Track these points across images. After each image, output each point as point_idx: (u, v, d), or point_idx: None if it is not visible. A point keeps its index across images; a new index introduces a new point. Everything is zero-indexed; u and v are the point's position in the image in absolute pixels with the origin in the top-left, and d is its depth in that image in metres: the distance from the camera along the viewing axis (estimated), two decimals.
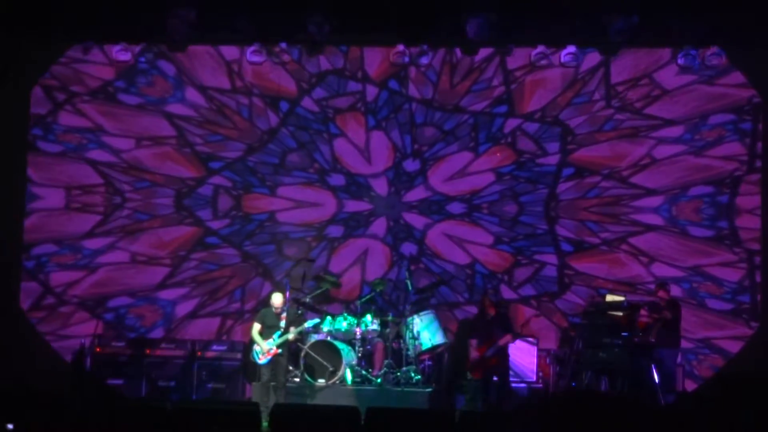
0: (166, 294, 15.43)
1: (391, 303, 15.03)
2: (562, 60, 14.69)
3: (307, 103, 15.54)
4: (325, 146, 15.56)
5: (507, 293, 15.15)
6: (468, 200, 15.34)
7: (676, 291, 14.33)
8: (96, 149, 15.51)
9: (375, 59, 15.46)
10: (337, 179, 15.55)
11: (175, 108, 15.53)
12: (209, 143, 15.53)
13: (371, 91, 15.52)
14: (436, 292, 15.00)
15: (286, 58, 15.06)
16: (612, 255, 15.05)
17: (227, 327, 15.28)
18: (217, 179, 15.55)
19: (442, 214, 15.35)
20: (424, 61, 14.92)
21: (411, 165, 15.50)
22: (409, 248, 15.40)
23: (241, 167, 15.53)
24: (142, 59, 15.28)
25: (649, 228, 14.98)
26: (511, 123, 15.30)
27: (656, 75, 15.05)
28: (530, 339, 14.28)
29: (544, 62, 14.75)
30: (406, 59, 14.82)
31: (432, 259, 15.33)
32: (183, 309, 15.41)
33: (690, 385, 14.25)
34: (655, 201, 15.02)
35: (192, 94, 15.54)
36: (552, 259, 15.19)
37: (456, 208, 15.35)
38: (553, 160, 15.23)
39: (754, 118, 14.87)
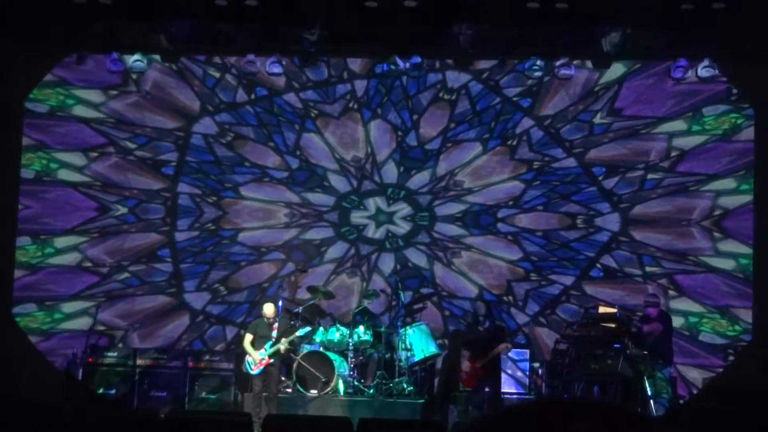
0: (70, 306, 15.09)
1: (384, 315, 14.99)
2: (559, 73, 14.72)
3: (290, 97, 15.39)
4: (290, 133, 15.36)
5: (520, 318, 14.97)
6: (516, 205, 15.12)
7: (677, 321, 14.23)
8: (60, 168, 15.29)
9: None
10: (292, 164, 15.36)
11: (82, 111, 15.30)
12: (143, 147, 15.33)
13: (360, 85, 15.39)
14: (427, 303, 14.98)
15: (279, 69, 15.04)
16: (640, 285, 14.74)
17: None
18: (186, 188, 15.36)
19: (486, 229, 15.16)
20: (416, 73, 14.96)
21: (413, 138, 15.34)
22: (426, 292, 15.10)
23: (189, 170, 15.35)
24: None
25: (711, 269, 14.72)
26: (524, 123, 15.16)
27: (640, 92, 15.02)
28: (523, 350, 14.28)
29: (539, 74, 14.79)
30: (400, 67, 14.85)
31: (450, 300, 15.09)
32: (76, 324, 15.04)
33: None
34: (728, 183, 14.79)
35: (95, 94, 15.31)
36: (567, 280, 14.99)
37: (504, 226, 15.15)
38: (568, 162, 15.10)
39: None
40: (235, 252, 15.33)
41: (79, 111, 15.34)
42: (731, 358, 14.57)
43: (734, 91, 14.82)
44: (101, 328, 14.96)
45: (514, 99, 15.23)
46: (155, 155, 15.39)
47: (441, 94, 15.35)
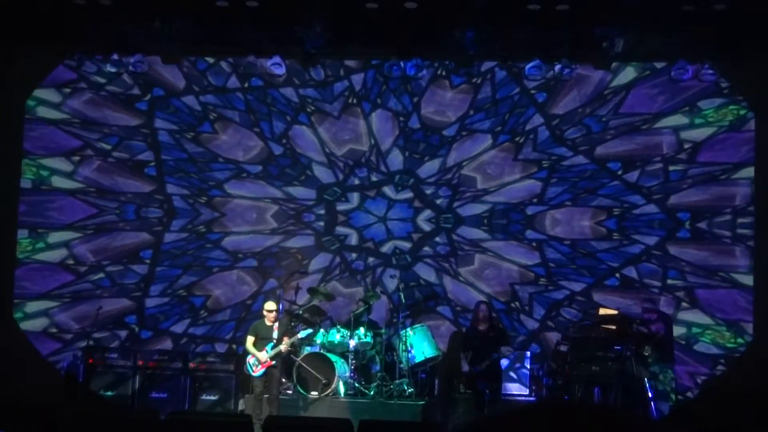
0: (34, 306, 14.98)
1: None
2: (558, 72, 14.72)
3: (287, 91, 15.33)
4: (280, 123, 15.26)
5: (530, 324, 14.93)
6: (542, 203, 15.03)
7: (678, 331, 14.17)
8: (52, 176, 15.19)
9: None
10: (276, 151, 15.29)
11: (45, 112, 15.19)
12: (117, 147, 15.22)
13: (357, 80, 15.33)
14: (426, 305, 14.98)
15: (281, 71, 15.05)
16: (651, 296, 14.56)
17: None
18: (174, 188, 15.29)
19: (512, 235, 15.04)
20: (415, 73, 14.99)
21: (415, 122, 15.27)
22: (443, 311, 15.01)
23: (169, 168, 15.24)
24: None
25: (737, 285, 14.61)
26: (534, 121, 15.09)
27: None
28: (525, 352, 14.27)
29: (540, 75, 14.79)
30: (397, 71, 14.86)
31: (464, 315, 14.91)
32: (31, 325, 14.95)
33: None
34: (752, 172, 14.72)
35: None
36: (578, 287, 14.92)
37: (533, 233, 15.06)
38: (578, 159, 15.04)
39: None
40: (213, 257, 15.24)
41: (43, 112, 15.25)
42: (720, 367, 14.55)
43: (723, 85, 14.80)
44: (53, 330, 14.91)
45: (532, 92, 15.16)
46: (132, 155, 15.31)
47: (440, 71, 15.28)
